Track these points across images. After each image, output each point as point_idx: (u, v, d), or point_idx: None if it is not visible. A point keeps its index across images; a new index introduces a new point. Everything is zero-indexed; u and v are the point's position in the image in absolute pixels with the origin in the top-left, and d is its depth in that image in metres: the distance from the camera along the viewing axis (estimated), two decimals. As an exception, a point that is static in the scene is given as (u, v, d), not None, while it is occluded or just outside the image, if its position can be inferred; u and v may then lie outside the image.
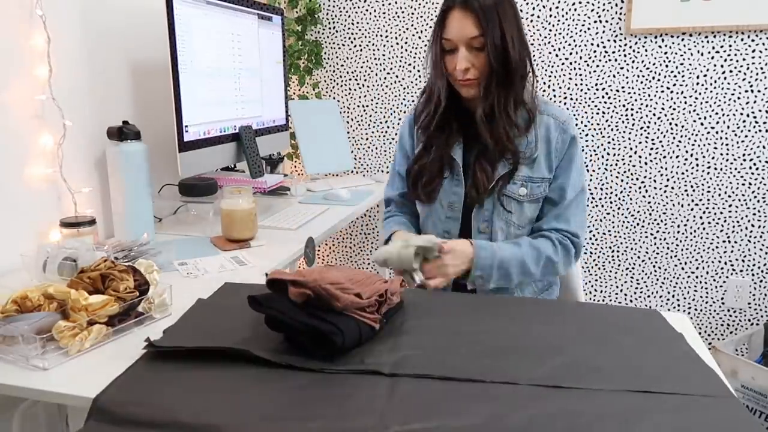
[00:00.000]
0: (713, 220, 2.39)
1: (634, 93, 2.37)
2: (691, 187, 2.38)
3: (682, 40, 2.28)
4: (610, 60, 2.37)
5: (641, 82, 2.36)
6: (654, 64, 2.33)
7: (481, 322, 0.99)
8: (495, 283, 1.25)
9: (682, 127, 2.35)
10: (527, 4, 2.40)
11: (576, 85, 2.42)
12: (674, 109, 2.35)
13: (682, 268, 2.46)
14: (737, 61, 2.25)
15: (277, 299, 0.88)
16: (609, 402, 0.75)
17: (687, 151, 2.37)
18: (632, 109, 2.39)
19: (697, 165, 2.36)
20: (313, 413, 0.73)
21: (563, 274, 1.36)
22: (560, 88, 2.44)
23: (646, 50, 2.32)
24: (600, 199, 2.49)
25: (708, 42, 2.26)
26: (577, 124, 2.44)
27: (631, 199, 2.45)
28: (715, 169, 2.35)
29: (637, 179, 2.43)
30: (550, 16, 2.39)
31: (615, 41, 2.35)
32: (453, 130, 1.32)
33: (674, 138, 2.37)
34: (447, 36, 1.24)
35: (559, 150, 1.29)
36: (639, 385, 0.79)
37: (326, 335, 0.83)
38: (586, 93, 2.42)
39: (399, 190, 1.47)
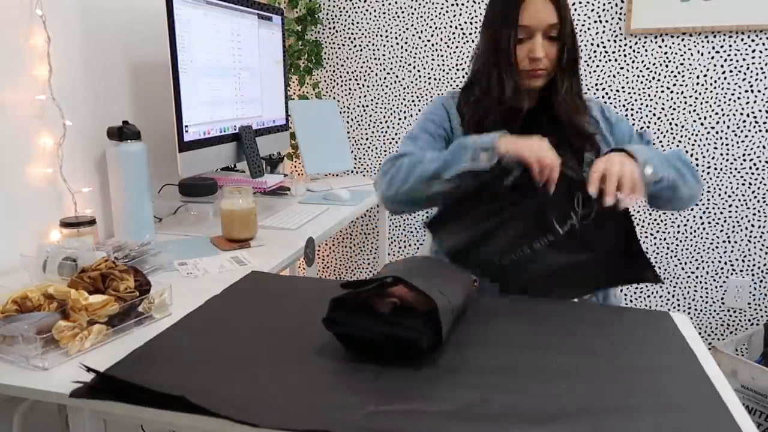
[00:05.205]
0: (713, 220, 2.39)
1: (634, 93, 2.37)
2: (691, 187, 2.38)
3: (682, 40, 2.28)
4: (610, 60, 2.37)
5: (641, 82, 2.35)
6: (654, 64, 2.33)
7: (497, 322, 1.00)
8: (669, 178, 1.15)
9: (682, 127, 2.35)
10: (527, 4, 2.40)
11: (576, 85, 2.42)
12: (674, 109, 2.35)
13: (682, 268, 2.46)
14: (737, 61, 2.25)
15: (351, 315, 0.85)
16: (589, 398, 0.76)
17: (687, 151, 2.36)
18: (632, 109, 2.39)
19: (697, 165, 2.36)
20: (300, 390, 0.76)
21: (700, 191, 1.30)
22: (560, 88, 2.44)
23: (646, 50, 2.32)
24: (600, 199, 2.48)
25: (708, 42, 2.26)
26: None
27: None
28: (715, 169, 2.35)
29: (637, 179, 2.43)
30: (550, 16, 2.39)
31: (615, 41, 2.35)
32: (514, 131, 1.19)
33: (674, 138, 2.37)
34: (524, 22, 1.19)
35: (606, 127, 1.37)
36: (625, 385, 0.79)
37: (411, 341, 0.83)
38: (586, 93, 2.41)
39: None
